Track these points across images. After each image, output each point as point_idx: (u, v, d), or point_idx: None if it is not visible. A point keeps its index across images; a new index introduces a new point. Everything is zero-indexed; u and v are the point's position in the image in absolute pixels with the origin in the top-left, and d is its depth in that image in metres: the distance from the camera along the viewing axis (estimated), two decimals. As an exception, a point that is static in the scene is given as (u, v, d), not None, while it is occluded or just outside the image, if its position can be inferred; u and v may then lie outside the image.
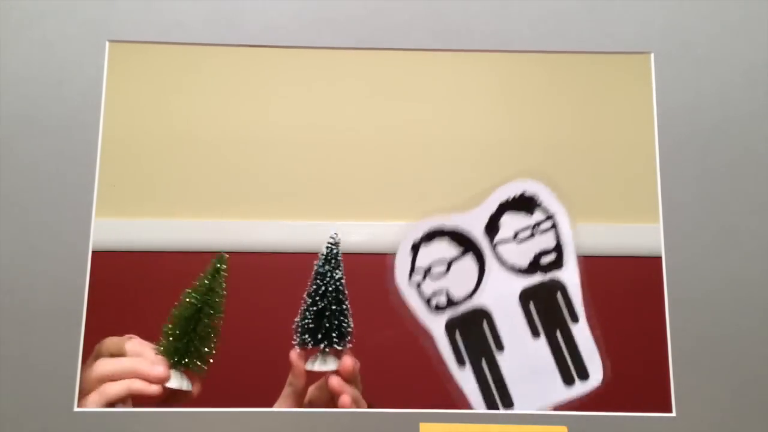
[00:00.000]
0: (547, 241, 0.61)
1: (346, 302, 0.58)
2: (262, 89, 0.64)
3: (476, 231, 0.61)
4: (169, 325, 0.58)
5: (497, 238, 0.61)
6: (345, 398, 0.57)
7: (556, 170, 0.63)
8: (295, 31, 0.64)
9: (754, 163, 0.62)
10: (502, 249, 0.61)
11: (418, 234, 0.61)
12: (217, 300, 0.58)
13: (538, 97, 0.64)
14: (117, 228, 0.61)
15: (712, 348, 0.59)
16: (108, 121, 0.62)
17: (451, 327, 0.60)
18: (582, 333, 0.60)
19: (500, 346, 0.60)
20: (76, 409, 0.57)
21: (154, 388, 0.56)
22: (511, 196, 0.62)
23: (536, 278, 0.61)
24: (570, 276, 0.61)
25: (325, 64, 0.64)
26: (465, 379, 0.60)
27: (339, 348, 0.58)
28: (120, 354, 0.57)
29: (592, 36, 0.65)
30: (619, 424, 0.58)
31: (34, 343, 0.58)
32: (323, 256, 0.59)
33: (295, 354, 0.58)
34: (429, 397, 0.59)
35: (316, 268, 0.59)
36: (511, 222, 0.62)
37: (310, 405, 0.58)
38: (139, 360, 0.57)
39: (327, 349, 0.58)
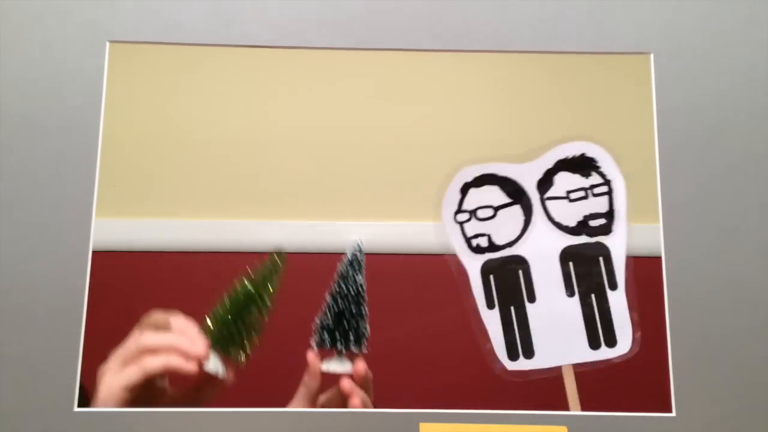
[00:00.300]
0: (600, 204, 0.61)
1: (365, 306, 0.59)
2: (262, 89, 0.64)
3: (528, 183, 0.62)
4: (219, 309, 0.58)
5: (549, 193, 0.62)
6: (355, 400, 0.57)
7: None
8: (295, 31, 0.64)
9: (754, 163, 0.62)
10: (552, 205, 0.61)
11: (470, 176, 0.62)
12: (269, 293, 0.58)
13: (538, 97, 0.64)
14: (117, 228, 0.61)
15: (712, 348, 0.59)
16: (108, 121, 0.62)
17: (487, 269, 0.61)
18: (617, 301, 0.60)
19: (532, 297, 0.61)
20: (76, 409, 0.57)
21: (191, 366, 0.56)
22: (570, 155, 0.62)
23: (581, 239, 0.61)
24: (617, 243, 0.61)
25: (325, 64, 0.64)
26: (491, 320, 0.60)
27: (355, 351, 0.58)
28: (165, 328, 0.57)
29: (592, 36, 0.65)
30: (619, 424, 0.58)
31: (34, 343, 0.58)
32: (347, 260, 0.59)
33: (312, 354, 0.58)
34: (430, 398, 0.58)
35: (339, 269, 0.60)
36: (565, 180, 0.62)
37: (323, 408, 0.58)
38: (181, 336, 0.57)
39: (343, 351, 0.58)
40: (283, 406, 0.58)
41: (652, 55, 0.64)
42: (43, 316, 0.58)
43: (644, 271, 0.61)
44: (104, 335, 0.59)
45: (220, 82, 0.64)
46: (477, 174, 0.62)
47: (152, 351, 0.56)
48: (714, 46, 0.64)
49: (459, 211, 0.62)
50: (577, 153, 0.62)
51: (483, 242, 0.61)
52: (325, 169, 0.63)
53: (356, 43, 0.64)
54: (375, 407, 0.58)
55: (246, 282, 0.58)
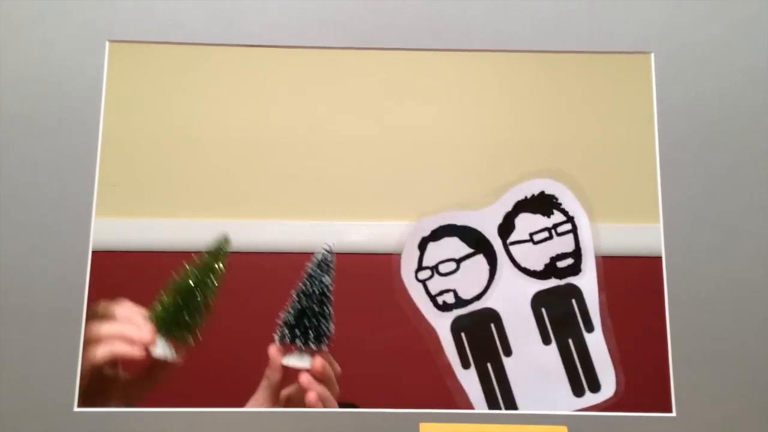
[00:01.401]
0: (565, 244, 0.59)
1: (329, 306, 0.59)
2: (262, 89, 0.64)
3: (489, 230, 0.60)
4: (164, 294, 0.59)
5: (511, 237, 0.59)
6: (311, 395, 0.57)
7: (556, 170, 0.62)
8: (295, 31, 0.64)
9: (754, 163, 0.62)
10: (516, 250, 0.59)
11: (427, 230, 0.60)
12: (214, 277, 0.59)
13: (539, 97, 0.64)
14: (117, 228, 0.61)
15: (712, 348, 0.59)
16: (108, 121, 0.62)
17: (457, 327, 0.59)
18: (596, 343, 0.59)
19: (508, 351, 0.59)
20: (76, 409, 0.57)
21: (137, 352, 0.57)
22: (529, 195, 0.60)
23: (551, 282, 0.59)
24: (587, 283, 0.59)
25: (325, 64, 0.64)
26: (469, 381, 0.59)
27: (314, 348, 0.58)
28: (110, 318, 0.58)
29: (592, 36, 0.65)
30: (619, 424, 0.58)
31: (34, 343, 0.58)
32: (315, 261, 0.59)
33: (273, 348, 0.58)
34: (430, 397, 0.58)
35: (307, 269, 0.59)
36: (527, 222, 0.60)
37: (288, 402, 0.58)
38: (125, 324, 0.58)
39: (303, 348, 0.58)
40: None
41: (652, 55, 0.64)
42: (43, 316, 0.58)
43: (644, 271, 0.61)
44: (104, 335, 0.59)
45: (220, 82, 0.64)
46: (434, 227, 0.60)
47: (97, 341, 0.57)
48: (714, 46, 0.64)
49: (420, 268, 0.59)
50: (536, 191, 0.60)
51: (449, 298, 0.59)
52: (325, 169, 0.63)
53: (356, 43, 0.64)
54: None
55: (190, 267, 0.59)
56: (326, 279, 0.58)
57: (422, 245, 0.60)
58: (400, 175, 0.62)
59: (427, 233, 0.60)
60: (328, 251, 0.58)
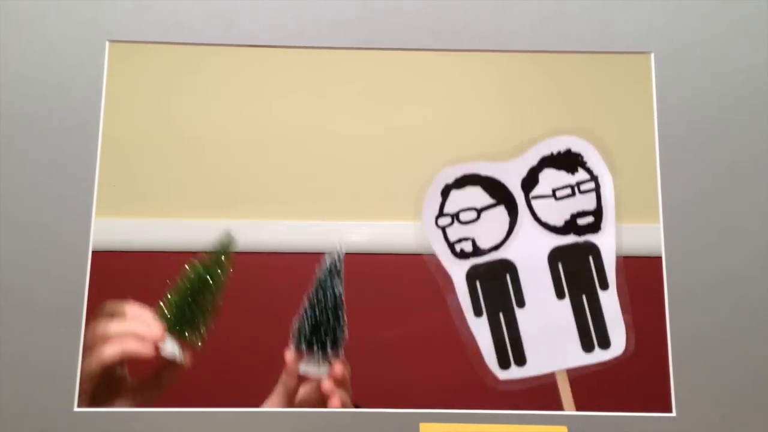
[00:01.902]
0: (587, 202, 0.60)
1: (343, 314, 0.59)
2: (262, 89, 0.64)
3: (513, 182, 0.60)
4: (171, 293, 0.59)
5: (534, 192, 0.59)
6: (335, 401, 0.58)
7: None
8: (295, 31, 0.64)
9: (754, 163, 0.62)
10: (538, 204, 0.59)
11: (451, 178, 0.60)
12: (221, 276, 0.59)
13: (539, 97, 0.64)
14: (117, 228, 0.61)
15: (712, 348, 0.59)
16: (108, 121, 0.62)
17: (472, 275, 0.59)
18: (609, 301, 0.59)
19: (521, 302, 0.59)
20: (76, 409, 0.57)
21: (148, 350, 0.57)
22: (555, 151, 0.60)
23: (569, 239, 0.60)
24: (606, 241, 0.60)
25: (325, 64, 0.64)
26: (480, 329, 0.59)
27: (332, 356, 0.58)
28: (119, 316, 0.58)
29: (592, 36, 0.65)
30: (619, 424, 0.58)
31: (34, 343, 0.58)
32: (326, 267, 0.59)
33: (290, 354, 0.58)
34: (430, 397, 0.58)
35: (318, 276, 0.59)
36: (551, 178, 0.60)
37: (301, 404, 0.58)
38: (136, 322, 0.58)
39: (320, 356, 0.58)
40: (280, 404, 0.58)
41: (652, 55, 0.64)
42: (43, 316, 0.58)
43: (644, 271, 0.61)
44: (104, 335, 0.59)
45: (220, 82, 0.64)
46: (458, 175, 0.60)
47: (108, 339, 0.57)
48: (714, 46, 0.64)
49: (440, 215, 0.59)
50: (563, 148, 0.60)
51: (467, 247, 0.59)
52: (325, 169, 0.63)
53: (356, 43, 0.64)
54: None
55: (198, 265, 0.59)
56: (338, 287, 0.58)
57: (445, 192, 0.60)
58: (400, 175, 0.62)
59: (450, 180, 0.60)
60: (338, 257, 0.58)
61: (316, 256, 0.61)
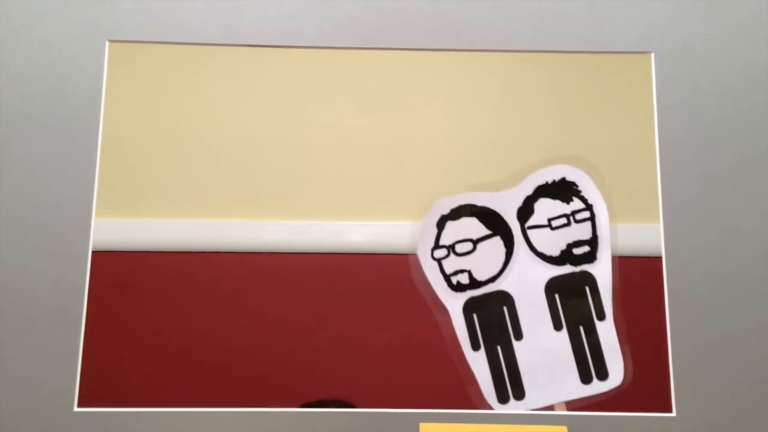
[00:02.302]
0: (582, 231, 0.60)
1: None
2: (262, 89, 0.64)
3: (508, 212, 0.60)
4: None
5: (530, 221, 0.59)
6: None
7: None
8: (295, 31, 0.64)
9: (754, 163, 0.62)
10: (534, 234, 0.59)
11: (447, 209, 0.60)
12: None
13: (539, 97, 0.64)
14: (117, 228, 0.61)
15: (712, 348, 0.59)
16: (108, 121, 0.62)
17: (469, 308, 0.59)
18: (607, 331, 0.59)
19: (519, 335, 0.59)
20: (76, 409, 0.57)
21: None
22: (550, 180, 0.60)
23: (566, 269, 0.60)
24: (602, 271, 0.60)
25: (325, 64, 0.64)
26: (478, 363, 0.58)
27: None
28: None
29: (592, 36, 0.65)
30: (619, 424, 0.58)
31: (34, 343, 0.58)
32: None
33: None
34: (430, 397, 0.59)
35: None
36: (546, 207, 0.60)
37: None
38: None
39: None
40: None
41: (652, 55, 0.64)
42: (43, 316, 0.58)
43: (644, 271, 0.61)
44: (104, 335, 0.59)
45: (220, 82, 0.64)
46: (454, 205, 0.60)
47: None
48: (714, 46, 0.64)
49: (436, 246, 0.59)
50: (557, 177, 0.61)
51: (464, 279, 0.59)
52: (325, 169, 0.63)
53: (356, 42, 0.64)
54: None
55: None
56: None
57: (441, 223, 0.60)
58: (400, 174, 0.62)
59: (446, 211, 0.60)
60: None
61: (316, 256, 0.61)
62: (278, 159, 0.63)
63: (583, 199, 0.60)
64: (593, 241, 0.60)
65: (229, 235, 0.61)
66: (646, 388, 0.59)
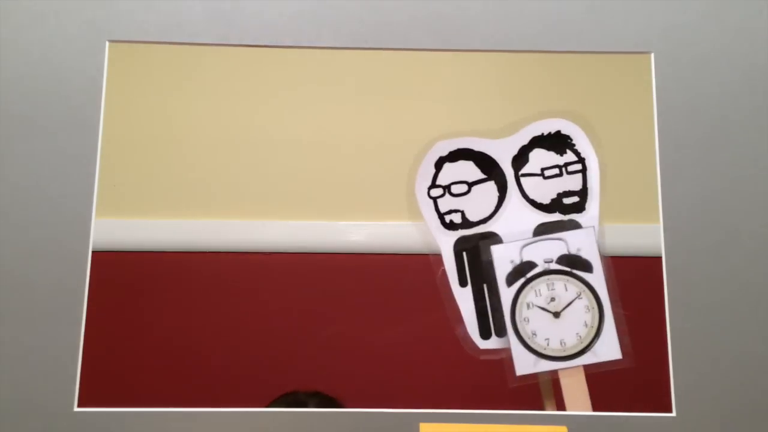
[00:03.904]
0: (573, 182, 0.62)
1: None
2: (262, 89, 0.64)
3: (504, 159, 0.62)
4: None
5: (523, 170, 0.62)
6: None
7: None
8: (295, 31, 0.64)
9: (754, 163, 0.62)
10: (526, 182, 0.61)
11: (445, 151, 0.62)
12: None
13: (539, 97, 0.64)
14: (117, 228, 0.61)
15: (712, 348, 0.59)
16: (108, 121, 0.62)
17: (460, 246, 0.61)
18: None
19: None
20: (76, 409, 0.57)
21: None
22: (546, 132, 0.62)
23: (555, 216, 0.61)
24: (589, 221, 0.61)
25: (325, 64, 0.64)
26: (464, 298, 0.60)
27: None
28: None
29: (592, 36, 0.65)
30: (619, 424, 0.58)
31: (34, 343, 0.58)
32: None
33: None
34: (430, 397, 0.59)
35: None
36: (540, 157, 0.62)
37: None
38: None
39: None
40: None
41: (652, 55, 0.64)
42: (43, 316, 0.58)
43: (644, 271, 0.61)
44: (104, 335, 0.59)
45: (220, 82, 0.64)
46: (452, 148, 0.62)
47: None
48: (714, 46, 0.64)
49: (433, 186, 0.61)
50: (553, 130, 0.62)
51: (456, 218, 0.61)
52: (325, 169, 0.63)
53: (356, 42, 0.64)
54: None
55: None
56: None
57: (438, 164, 0.62)
58: (400, 174, 0.62)
59: (444, 153, 0.62)
60: None
61: (316, 256, 0.61)
62: (278, 159, 0.63)
63: (576, 152, 0.62)
64: (583, 192, 0.62)
65: (229, 235, 0.61)
66: (646, 388, 0.59)
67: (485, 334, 0.60)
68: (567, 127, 0.62)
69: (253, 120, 0.63)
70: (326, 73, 0.64)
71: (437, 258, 0.61)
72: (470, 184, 0.61)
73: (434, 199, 0.61)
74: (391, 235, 0.62)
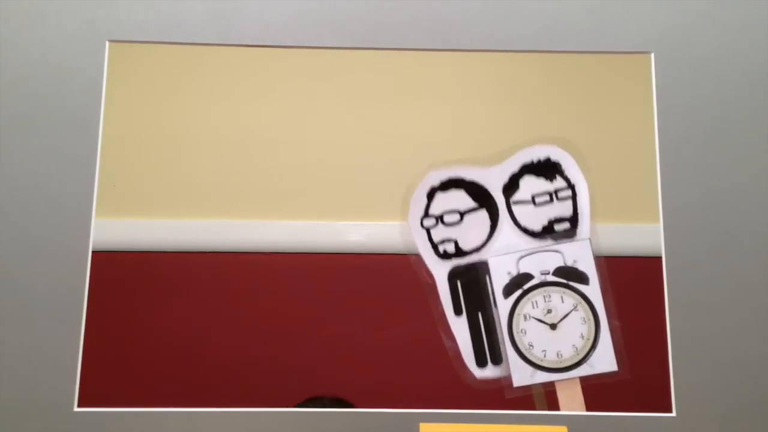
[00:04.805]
0: (564, 209, 0.62)
1: None
2: (262, 89, 0.64)
3: (495, 187, 0.62)
4: None
5: (515, 197, 0.62)
6: None
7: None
8: (295, 31, 0.64)
9: (754, 163, 0.62)
10: (518, 209, 0.62)
11: (437, 181, 0.62)
12: None
13: (538, 97, 0.64)
14: (117, 228, 0.61)
15: (712, 348, 0.59)
16: (108, 121, 0.62)
17: (454, 275, 0.61)
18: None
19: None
20: (76, 409, 0.57)
21: None
22: (536, 159, 0.63)
23: (546, 243, 0.62)
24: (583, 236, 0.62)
25: (325, 64, 0.64)
26: (459, 327, 0.60)
27: None
28: None
29: (592, 36, 0.65)
30: (619, 424, 0.58)
31: (34, 343, 0.58)
32: None
33: None
34: (430, 397, 0.59)
35: None
36: (531, 184, 0.62)
37: None
38: None
39: None
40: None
41: (652, 55, 0.64)
42: (43, 316, 0.58)
43: (644, 271, 0.61)
44: (104, 335, 0.59)
45: (220, 82, 0.64)
46: (444, 178, 0.62)
47: None
48: (714, 46, 0.64)
49: (426, 216, 0.62)
50: (542, 157, 0.63)
51: (450, 248, 0.62)
52: (325, 169, 0.63)
53: (356, 42, 0.64)
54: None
55: None
56: None
57: (431, 194, 0.62)
58: (400, 174, 0.62)
59: (436, 183, 0.62)
60: None
61: (316, 256, 0.61)
62: (278, 159, 0.63)
63: (566, 179, 0.63)
64: (573, 218, 0.62)
65: (229, 235, 0.61)
66: (646, 388, 0.59)
67: (481, 363, 0.60)
68: (556, 154, 0.63)
69: (253, 120, 0.63)
70: (326, 73, 0.64)
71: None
72: (462, 213, 0.62)
73: (427, 229, 0.62)
74: (391, 235, 0.62)
